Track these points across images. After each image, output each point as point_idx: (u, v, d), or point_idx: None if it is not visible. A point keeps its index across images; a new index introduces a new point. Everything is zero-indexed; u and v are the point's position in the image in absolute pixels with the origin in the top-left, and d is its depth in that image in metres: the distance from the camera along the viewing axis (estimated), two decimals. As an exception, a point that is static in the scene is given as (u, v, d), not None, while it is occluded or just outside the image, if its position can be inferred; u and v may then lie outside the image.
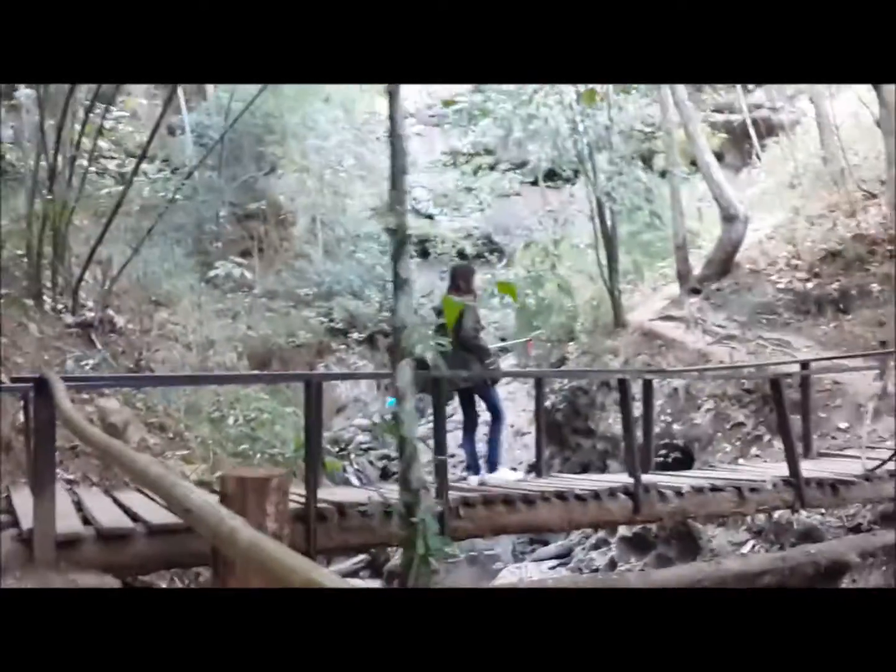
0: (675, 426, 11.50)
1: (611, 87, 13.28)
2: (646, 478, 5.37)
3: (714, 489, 5.55)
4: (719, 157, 19.02)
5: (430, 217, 29.11)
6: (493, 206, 27.61)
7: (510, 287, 5.43)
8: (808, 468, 6.22)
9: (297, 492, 4.45)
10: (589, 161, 13.69)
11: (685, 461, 11.04)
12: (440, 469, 4.92)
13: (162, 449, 8.20)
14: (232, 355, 13.80)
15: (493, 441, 6.62)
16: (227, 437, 8.38)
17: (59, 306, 9.86)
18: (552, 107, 14.40)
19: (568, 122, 13.50)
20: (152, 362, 10.72)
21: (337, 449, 15.99)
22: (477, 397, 6.65)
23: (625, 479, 5.53)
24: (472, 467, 6.61)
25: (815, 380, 9.69)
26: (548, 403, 15.45)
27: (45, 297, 9.85)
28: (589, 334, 15.50)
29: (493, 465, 6.48)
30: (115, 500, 4.84)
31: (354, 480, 14.33)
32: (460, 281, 6.43)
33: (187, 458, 7.56)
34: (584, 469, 14.39)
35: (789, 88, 23.60)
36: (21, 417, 6.35)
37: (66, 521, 4.16)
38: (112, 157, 12.11)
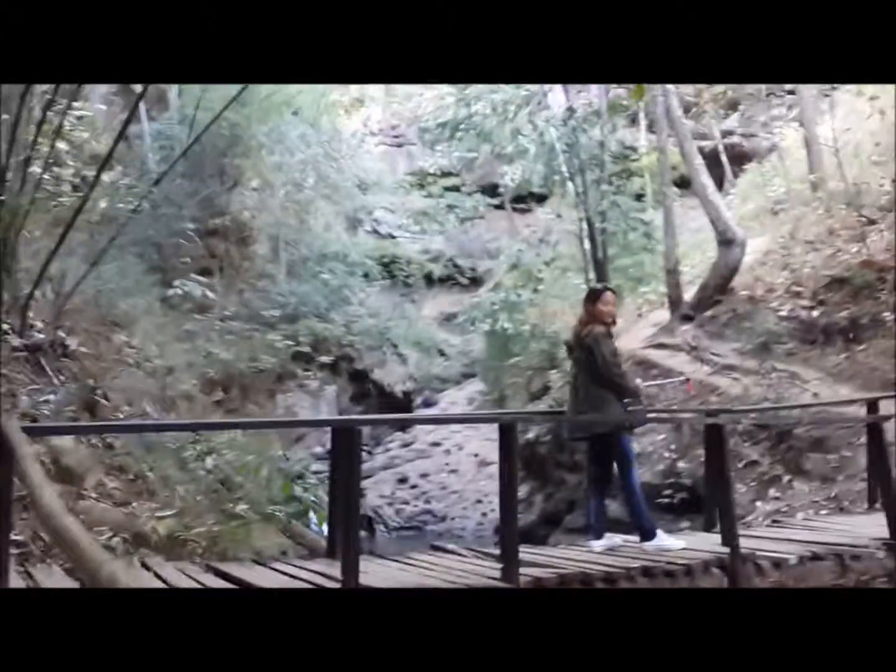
0: (681, 464, 10.72)
1: (605, 104, 12.65)
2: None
3: (815, 558, 4.72)
4: (686, 183, 18.60)
5: (392, 237, 28.32)
6: (457, 229, 26.80)
7: None
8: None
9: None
10: (580, 179, 12.99)
11: (692, 502, 10.28)
12: None
13: (124, 495, 7.08)
14: (194, 382, 12.70)
15: (636, 500, 5.29)
16: (200, 481, 7.27)
17: (5, 327, 8.68)
18: (538, 124, 13.74)
19: (559, 138, 12.78)
20: (110, 390, 9.58)
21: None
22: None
23: (716, 548, 4.64)
24: (596, 530, 5.40)
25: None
26: (531, 435, 14.69)
27: (-13, 317, 8.67)
28: (574, 362, 14.74)
29: (648, 532, 5.19)
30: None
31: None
32: (596, 305, 5.47)
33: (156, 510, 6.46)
34: (570, 507, 13.56)
35: (762, 115, 23.43)
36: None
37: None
38: (68, 165, 10.96)
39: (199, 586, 3.63)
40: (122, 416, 8.68)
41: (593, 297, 5.64)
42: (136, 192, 13.01)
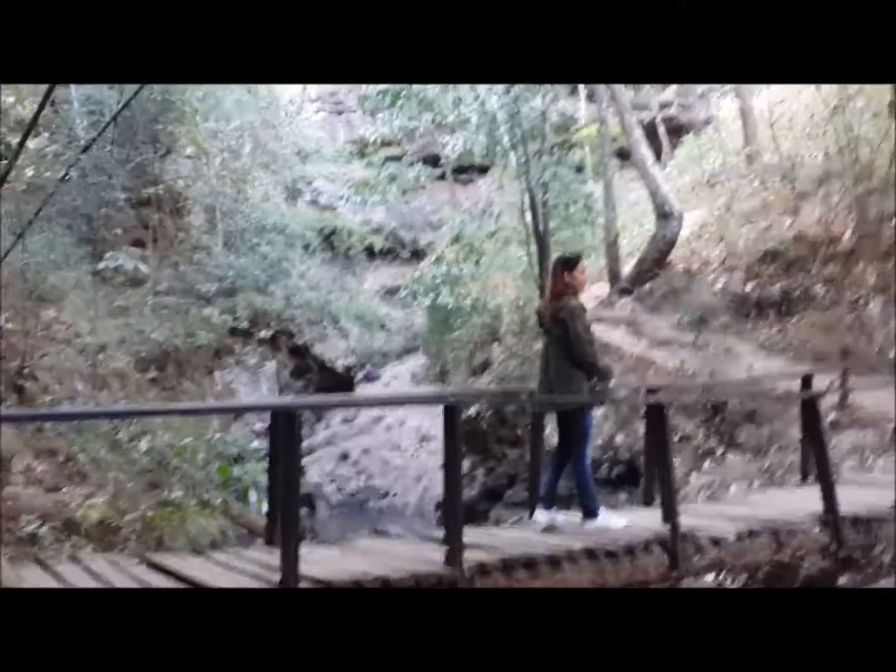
0: (618, 438, 10.87)
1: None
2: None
3: (751, 534, 4.81)
4: (626, 155, 18.68)
5: (333, 209, 27.88)
6: (399, 200, 26.44)
7: None
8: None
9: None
10: (522, 150, 12.91)
11: (630, 476, 10.44)
12: None
13: (54, 479, 6.85)
14: (128, 359, 12.36)
15: (585, 477, 5.13)
16: (134, 463, 7.07)
17: (-76, 304, 8.29)
18: (480, 93, 13.58)
19: (501, 108, 12.66)
20: (38, 369, 9.26)
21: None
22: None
23: (657, 526, 4.67)
24: (547, 501, 5.29)
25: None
26: (472, 411, 14.71)
27: None
28: (516, 335, 14.76)
29: (592, 512, 5.06)
30: None
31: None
32: (573, 274, 5.09)
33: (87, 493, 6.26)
34: (512, 481, 13.65)
35: (700, 87, 23.66)
36: None
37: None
38: (-9, 131, 10.48)
39: (131, 581, 3.51)
40: (51, 396, 8.40)
41: (570, 265, 5.24)
42: (63, 159, 12.49)
